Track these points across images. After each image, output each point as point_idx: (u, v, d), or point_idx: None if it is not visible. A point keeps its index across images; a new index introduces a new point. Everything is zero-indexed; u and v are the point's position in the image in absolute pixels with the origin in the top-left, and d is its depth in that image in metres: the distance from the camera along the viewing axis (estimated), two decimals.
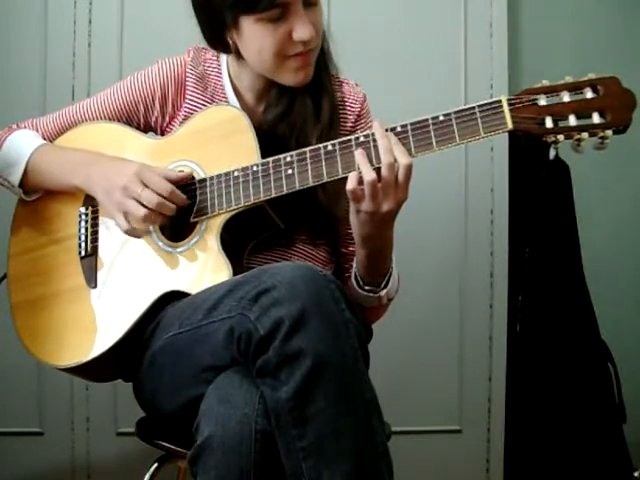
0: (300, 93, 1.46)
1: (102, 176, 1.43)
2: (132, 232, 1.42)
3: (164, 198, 1.38)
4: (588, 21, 2.50)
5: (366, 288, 1.45)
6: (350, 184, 1.29)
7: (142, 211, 1.38)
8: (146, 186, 1.38)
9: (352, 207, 1.33)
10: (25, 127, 1.58)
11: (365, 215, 1.31)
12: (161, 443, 1.42)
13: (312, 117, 1.45)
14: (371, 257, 1.40)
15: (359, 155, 1.30)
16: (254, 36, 1.38)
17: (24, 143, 1.53)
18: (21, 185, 1.52)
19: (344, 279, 1.55)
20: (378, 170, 1.28)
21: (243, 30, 1.38)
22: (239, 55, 1.45)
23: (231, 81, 1.52)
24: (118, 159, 1.47)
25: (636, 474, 2.24)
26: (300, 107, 1.46)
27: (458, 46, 2.36)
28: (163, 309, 1.39)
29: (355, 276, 1.46)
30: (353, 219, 1.34)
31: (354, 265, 1.47)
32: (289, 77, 1.43)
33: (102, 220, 1.49)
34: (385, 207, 1.29)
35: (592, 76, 1.25)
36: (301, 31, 1.36)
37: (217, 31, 1.42)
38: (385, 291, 1.45)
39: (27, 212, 1.56)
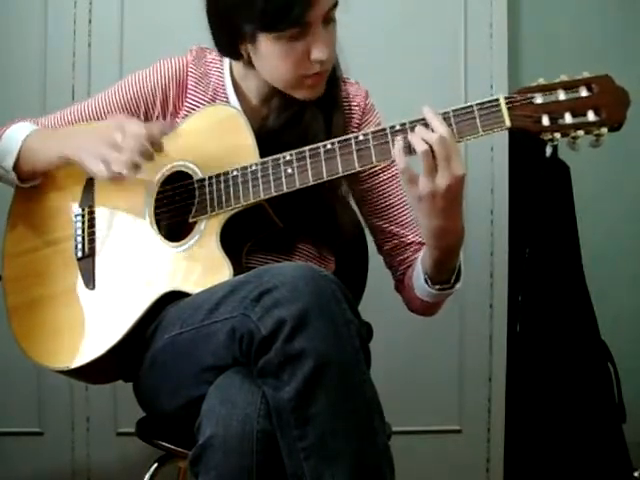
0: (310, 105, 1.44)
1: (89, 140, 1.39)
2: (114, 177, 1.35)
3: (145, 142, 1.33)
4: (588, 21, 2.50)
5: (437, 287, 1.41)
6: (401, 163, 1.26)
7: (123, 156, 1.32)
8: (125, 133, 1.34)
9: (412, 198, 1.28)
10: None
11: (426, 201, 1.26)
12: (161, 443, 1.42)
13: (323, 131, 1.43)
14: (444, 257, 1.36)
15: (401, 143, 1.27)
16: (271, 53, 1.36)
17: (20, 131, 1.50)
18: (15, 169, 1.49)
19: (400, 271, 1.54)
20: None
21: (260, 45, 1.37)
22: (250, 65, 1.43)
23: (234, 82, 1.51)
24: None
25: (636, 474, 2.24)
26: (310, 119, 1.44)
27: (458, 46, 2.36)
28: (163, 309, 1.39)
29: (424, 277, 1.41)
30: (418, 214, 1.31)
31: (419, 263, 1.43)
32: (302, 93, 1.42)
33: (99, 220, 1.49)
34: (442, 182, 1.23)
35: (586, 75, 1.25)
36: (319, 52, 1.35)
37: (231, 42, 1.41)
38: (459, 284, 1.43)
39: (22, 211, 1.55)
